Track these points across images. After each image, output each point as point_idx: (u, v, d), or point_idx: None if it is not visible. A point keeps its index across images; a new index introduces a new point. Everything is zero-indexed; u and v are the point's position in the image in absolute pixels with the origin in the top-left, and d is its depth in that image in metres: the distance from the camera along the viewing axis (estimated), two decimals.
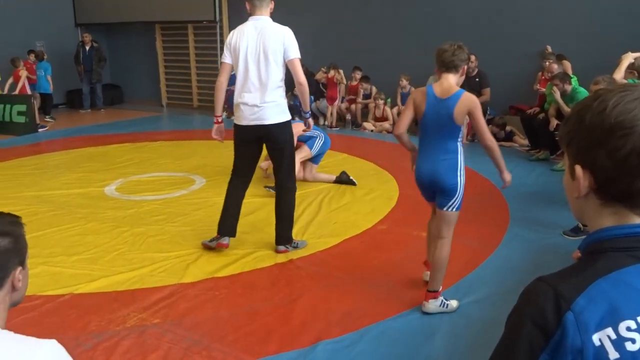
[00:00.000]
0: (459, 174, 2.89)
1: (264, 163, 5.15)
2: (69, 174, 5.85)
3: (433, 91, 2.79)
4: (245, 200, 3.78)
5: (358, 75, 8.76)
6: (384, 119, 8.53)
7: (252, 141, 3.55)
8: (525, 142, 7.13)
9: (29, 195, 5.10)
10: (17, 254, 1.23)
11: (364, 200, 4.92)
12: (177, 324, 2.80)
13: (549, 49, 7.25)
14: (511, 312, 0.85)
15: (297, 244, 3.79)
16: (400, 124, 3.01)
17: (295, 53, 3.42)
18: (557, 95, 5.86)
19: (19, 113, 8.47)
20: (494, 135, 6.57)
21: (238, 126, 3.55)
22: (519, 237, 4.01)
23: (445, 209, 2.92)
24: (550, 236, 4.00)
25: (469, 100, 2.75)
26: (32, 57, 10.07)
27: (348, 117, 8.88)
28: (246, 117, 3.47)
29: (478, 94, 7.62)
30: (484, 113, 7.42)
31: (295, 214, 4.46)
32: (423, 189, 3.05)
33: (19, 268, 1.24)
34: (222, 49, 3.76)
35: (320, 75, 9.05)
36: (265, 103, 3.42)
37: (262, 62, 3.38)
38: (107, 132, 8.55)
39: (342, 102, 8.97)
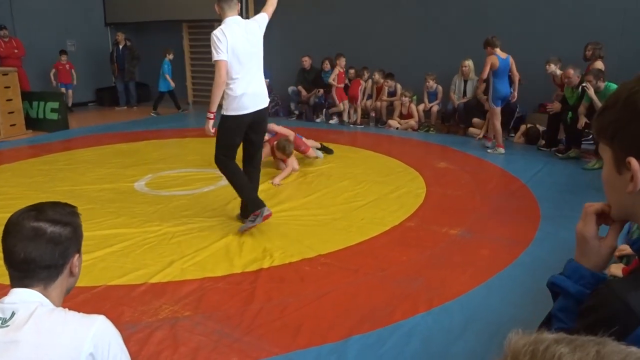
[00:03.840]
0: None
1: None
2: (100, 170, 5.96)
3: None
4: (260, 192, 4.09)
5: (378, 76, 8.70)
6: (409, 116, 8.48)
7: (245, 127, 3.90)
8: (477, 132, 7.57)
9: (63, 189, 5.21)
10: (76, 242, 1.33)
11: (391, 197, 4.90)
12: (208, 317, 2.83)
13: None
14: (578, 321, 0.79)
15: (254, 217, 3.89)
16: None
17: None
18: (591, 91, 5.74)
19: (52, 110, 8.66)
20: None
21: (237, 116, 3.80)
22: (551, 235, 3.94)
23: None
24: None
25: None
26: (63, 57, 10.34)
27: (372, 114, 8.85)
28: (249, 105, 3.80)
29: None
30: (514, 110, 7.41)
31: (323, 210, 4.50)
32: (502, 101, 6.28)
33: (77, 255, 1.34)
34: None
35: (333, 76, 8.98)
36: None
37: (256, 53, 3.83)
38: (136, 129, 8.68)
39: (367, 99, 8.95)
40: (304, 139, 6.16)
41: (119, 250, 3.73)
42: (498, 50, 6.34)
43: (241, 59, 3.71)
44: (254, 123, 3.89)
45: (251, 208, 3.93)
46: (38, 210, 1.27)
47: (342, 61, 8.86)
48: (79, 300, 2.98)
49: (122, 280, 3.27)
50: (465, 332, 2.68)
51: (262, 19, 3.91)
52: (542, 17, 7.72)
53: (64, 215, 1.30)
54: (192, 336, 2.66)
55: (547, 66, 6.82)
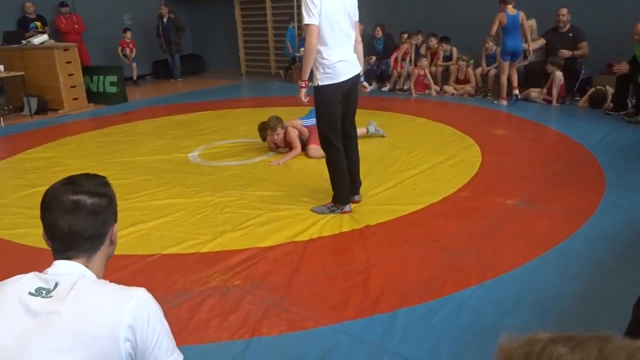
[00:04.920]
0: None
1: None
2: (156, 141, 6.12)
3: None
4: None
5: (433, 41, 8.39)
6: (465, 81, 8.16)
7: (342, 96, 3.69)
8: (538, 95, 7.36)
9: (122, 160, 5.39)
10: (113, 211, 1.36)
11: (445, 165, 4.76)
12: (257, 286, 2.87)
13: None
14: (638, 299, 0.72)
15: (334, 208, 3.78)
16: None
17: (358, 15, 3.66)
18: None
19: (111, 83, 8.94)
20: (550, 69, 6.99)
21: (336, 84, 3.58)
22: (616, 205, 3.71)
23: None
24: None
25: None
26: (128, 34, 10.66)
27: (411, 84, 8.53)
28: (345, 72, 3.60)
29: (573, 49, 7.08)
30: (579, 71, 6.97)
31: (371, 179, 4.43)
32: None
33: (115, 224, 1.37)
34: (299, 15, 3.82)
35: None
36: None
37: (346, 19, 3.58)
38: (191, 100, 8.84)
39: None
40: None
41: (173, 220, 3.83)
42: (510, 7, 6.88)
43: (335, 25, 3.47)
44: (347, 92, 3.68)
45: (337, 199, 3.80)
46: (74, 183, 1.29)
47: (414, 40, 8.55)
48: (135, 269, 3.09)
49: (175, 249, 3.36)
50: (518, 306, 2.58)
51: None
52: None
53: (99, 186, 1.32)
54: (241, 305, 2.70)
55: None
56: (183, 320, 2.59)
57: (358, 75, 3.74)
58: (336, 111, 3.64)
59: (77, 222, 1.26)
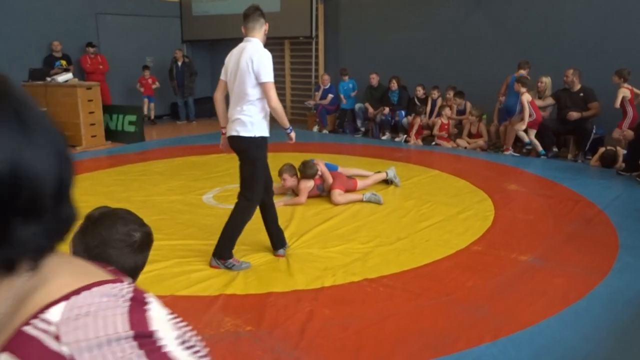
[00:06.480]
0: None
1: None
2: (172, 181, 6.20)
3: None
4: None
5: (451, 94, 8.58)
6: (478, 135, 8.26)
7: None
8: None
9: (137, 199, 5.46)
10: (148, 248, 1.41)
11: (458, 219, 4.77)
12: (268, 333, 2.85)
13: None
14: None
15: (233, 264, 3.69)
16: None
17: (265, 77, 3.50)
18: None
19: (130, 123, 9.14)
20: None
21: (266, 138, 3.69)
22: (631, 266, 3.69)
23: None
24: None
25: None
26: (146, 72, 10.96)
27: (435, 132, 8.67)
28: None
29: (584, 109, 7.19)
30: (590, 131, 7.06)
31: (385, 229, 4.44)
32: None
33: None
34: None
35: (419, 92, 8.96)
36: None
37: (236, 79, 3.58)
38: (207, 142, 8.98)
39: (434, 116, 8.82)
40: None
41: (186, 262, 3.84)
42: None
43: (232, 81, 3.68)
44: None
45: (228, 255, 3.72)
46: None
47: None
48: None
49: (188, 291, 3.37)
50: None
51: (258, 66, 3.53)
52: (619, 32, 7.33)
53: (143, 224, 1.41)
54: (252, 351, 2.68)
55: None
56: None
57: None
58: (264, 165, 3.79)
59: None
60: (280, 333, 2.86)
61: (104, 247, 1.30)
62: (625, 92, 6.75)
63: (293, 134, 3.98)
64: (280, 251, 3.96)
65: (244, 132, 3.60)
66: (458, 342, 2.75)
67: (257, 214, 4.92)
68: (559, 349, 2.69)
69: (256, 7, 3.69)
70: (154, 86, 11.10)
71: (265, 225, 3.95)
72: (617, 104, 6.78)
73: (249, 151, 3.64)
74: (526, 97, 7.38)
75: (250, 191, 3.69)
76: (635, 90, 6.76)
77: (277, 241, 3.97)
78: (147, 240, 1.34)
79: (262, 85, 3.52)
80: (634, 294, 3.30)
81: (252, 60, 3.49)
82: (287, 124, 3.79)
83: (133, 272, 1.31)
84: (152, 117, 11.24)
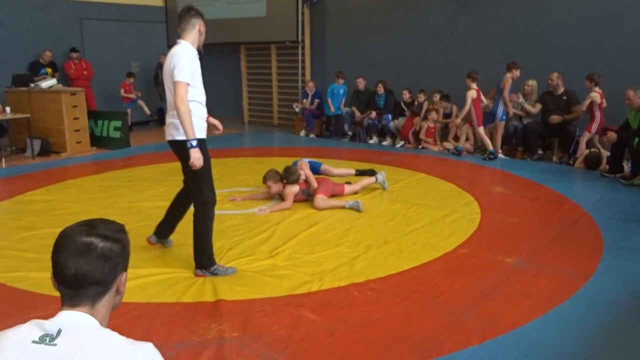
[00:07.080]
0: None
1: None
2: (157, 187, 6.16)
3: None
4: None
5: (437, 97, 8.62)
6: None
7: None
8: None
9: (122, 205, 5.41)
10: (124, 259, 1.33)
11: (444, 222, 4.79)
12: (255, 339, 2.83)
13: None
14: None
15: (218, 270, 3.67)
16: None
17: (177, 76, 3.31)
18: None
19: (115, 128, 9.07)
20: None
21: (203, 140, 3.55)
22: (615, 267, 3.72)
23: None
24: None
25: None
26: (130, 79, 10.84)
27: (422, 136, 8.70)
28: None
29: (567, 112, 7.28)
30: (573, 133, 7.14)
31: (372, 233, 4.45)
32: None
33: (124, 273, 1.34)
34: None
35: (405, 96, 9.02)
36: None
37: (166, 84, 3.50)
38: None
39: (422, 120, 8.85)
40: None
41: (172, 269, 3.80)
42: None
43: (199, 84, 3.56)
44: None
45: (209, 262, 3.68)
46: (90, 225, 1.28)
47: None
48: (132, 316, 3.05)
49: (173, 298, 3.33)
50: None
51: (175, 64, 3.39)
52: (602, 36, 7.43)
53: (115, 231, 1.31)
54: (238, 358, 2.66)
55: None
56: None
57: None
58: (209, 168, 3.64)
59: (85, 265, 1.23)
60: (267, 339, 2.84)
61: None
62: (595, 96, 6.90)
63: (195, 154, 3.40)
64: (152, 238, 4.12)
65: (179, 136, 3.50)
66: (445, 345, 2.75)
67: (247, 221, 4.91)
68: (544, 350, 2.70)
69: (189, 7, 3.57)
70: (132, 95, 10.92)
71: (168, 212, 4.03)
72: (584, 107, 7.00)
73: (187, 154, 3.46)
74: (470, 94, 7.58)
75: (200, 194, 3.62)
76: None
77: (165, 231, 4.10)
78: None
79: (173, 85, 3.35)
80: (617, 294, 3.33)
81: (172, 62, 3.39)
82: (191, 134, 3.35)
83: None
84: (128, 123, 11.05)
